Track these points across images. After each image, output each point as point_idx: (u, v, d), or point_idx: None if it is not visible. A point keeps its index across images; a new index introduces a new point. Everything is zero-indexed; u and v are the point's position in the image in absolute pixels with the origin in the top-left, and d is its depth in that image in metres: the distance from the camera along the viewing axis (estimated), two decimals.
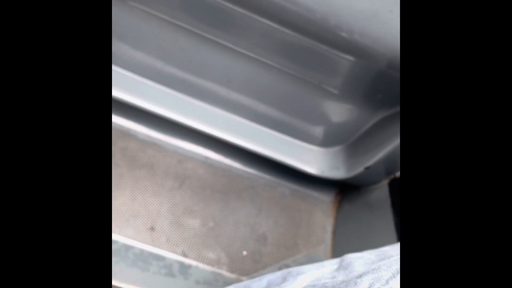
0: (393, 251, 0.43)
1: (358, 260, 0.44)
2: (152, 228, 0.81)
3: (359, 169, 0.84)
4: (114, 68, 0.80)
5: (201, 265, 0.80)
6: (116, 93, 0.79)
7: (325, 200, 0.96)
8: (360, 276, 0.40)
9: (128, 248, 0.77)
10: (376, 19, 0.61)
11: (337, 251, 0.89)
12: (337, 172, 0.88)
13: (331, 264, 0.46)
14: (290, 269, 0.48)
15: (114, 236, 0.77)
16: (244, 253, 0.85)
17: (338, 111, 0.82)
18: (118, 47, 0.78)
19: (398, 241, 0.71)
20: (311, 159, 0.88)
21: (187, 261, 0.80)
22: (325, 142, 0.88)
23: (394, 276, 0.37)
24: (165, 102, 0.82)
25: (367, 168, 0.82)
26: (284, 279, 0.47)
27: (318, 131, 0.87)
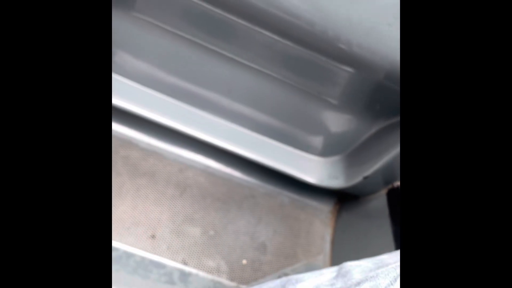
0: (390, 259, 0.44)
1: (356, 268, 0.45)
2: (153, 236, 0.82)
3: (357, 179, 0.85)
4: (117, 77, 0.82)
5: (201, 273, 0.81)
6: (118, 102, 0.80)
7: (324, 209, 0.97)
8: (358, 283, 0.40)
9: (129, 255, 0.78)
10: (375, 32, 0.62)
11: (336, 260, 0.90)
12: (336, 182, 0.89)
13: (330, 272, 0.47)
14: (289, 277, 0.49)
15: (115, 244, 0.78)
16: (244, 261, 0.85)
17: (337, 121, 0.83)
18: (121, 57, 0.79)
19: (396, 250, 0.72)
20: (311, 169, 0.89)
21: (187, 269, 0.80)
22: (324, 151, 0.89)
23: (391, 284, 0.38)
24: (166, 111, 0.83)
25: (365, 178, 0.83)
26: (283, 287, 0.48)
27: (317, 141, 0.88)
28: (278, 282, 0.49)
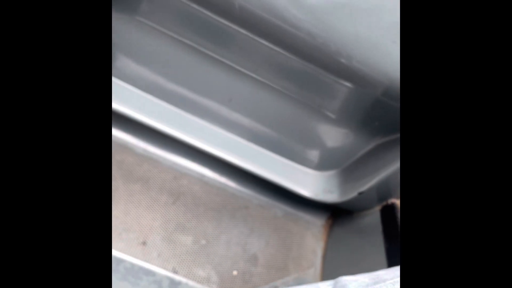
0: (387, 275, 0.44)
1: (353, 282, 0.44)
2: (144, 243, 0.81)
3: (352, 194, 0.85)
4: (117, 81, 0.81)
5: (191, 283, 0.80)
6: (117, 106, 0.80)
7: (317, 223, 0.97)
8: None
9: (119, 261, 0.76)
10: (379, 49, 0.63)
11: (327, 275, 0.90)
12: (331, 196, 0.88)
13: (326, 285, 0.47)
14: None
15: None
16: (234, 272, 0.85)
17: (335, 136, 0.83)
18: (122, 61, 0.79)
19: (388, 267, 0.72)
20: (306, 182, 0.89)
21: (177, 277, 0.79)
22: (321, 165, 0.89)
23: None
24: (164, 118, 0.83)
25: (360, 194, 0.83)
26: None
27: (314, 154, 0.88)
28: None
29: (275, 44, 0.69)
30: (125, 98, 0.81)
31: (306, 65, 0.71)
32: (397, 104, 0.71)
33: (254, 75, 0.75)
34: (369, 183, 0.81)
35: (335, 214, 0.97)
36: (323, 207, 0.96)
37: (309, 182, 0.89)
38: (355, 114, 0.78)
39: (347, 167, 0.87)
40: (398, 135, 0.78)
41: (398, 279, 0.41)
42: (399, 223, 0.78)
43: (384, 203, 0.85)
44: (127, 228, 0.81)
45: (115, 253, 0.77)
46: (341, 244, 0.92)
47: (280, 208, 0.95)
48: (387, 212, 0.83)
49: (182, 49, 0.74)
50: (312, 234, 0.95)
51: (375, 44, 0.63)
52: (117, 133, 0.88)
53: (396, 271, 0.45)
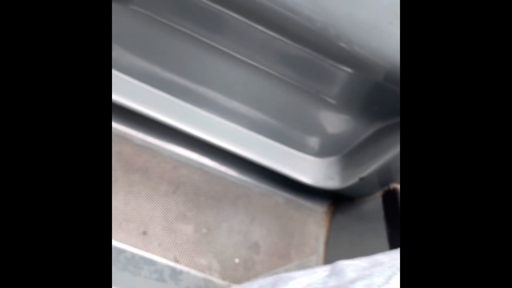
0: (385, 259, 0.43)
1: (350, 266, 0.44)
2: (145, 233, 0.81)
3: (353, 180, 0.84)
4: (114, 72, 0.81)
5: (193, 271, 0.80)
6: (114, 97, 0.79)
7: (319, 210, 0.96)
8: (352, 281, 0.40)
9: (119, 251, 0.76)
10: (375, 31, 0.62)
11: (329, 261, 0.89)
12: (332, 183, 0.88)
13: (323, 271, 0.46)
14: (281, 275, 0.48)
15: None
16: (236, 260, 0.84)
17: (335, 122, 0.82)
18: (117, 51, 0.78)
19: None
20: (306, 169, 0.88)
21: (178, 266, 0.79)
22: (321, 152, 0.88)
23: (386, 282, 0.38)
24: (162, 108, 0.82)
25: (361, 179, 0.82)
26: (274, 285, 0.47)
27: (314, 141, 0.87)
28: (270, 279, 0.48)
29: (273, 30, 0.68)
30: (122, 89, 0.81)
31: (305, 50, 0.70)
32: (398, 88, 0.70)
33: (252, 62, 0.74)
34: (370, 168, 0.80)
35: (337, 200, 0.97)
36: (325, 194, 0.95)
37: (309, 169, 0.88)
38: (355, 99, 0.77)
39: (348, 153, 0.87)
40: (398, 119, 0.77)
41: (395, 262, 0.40)
42: None
43: (386, 188, 0.84)
44: (127, 218, 0.81)
45: (115, 243, 0.77)
46: (343, 230, 0.92)
47: (281, 195, 0.95)
48: (389, 197, 0.82)
49: (178, 37, 0.74)
50: (314, 221, 0.95)
51: (374, 27, 0.62)
52: (115, 124, 0.88)
53: (394, 254, 0.44)
